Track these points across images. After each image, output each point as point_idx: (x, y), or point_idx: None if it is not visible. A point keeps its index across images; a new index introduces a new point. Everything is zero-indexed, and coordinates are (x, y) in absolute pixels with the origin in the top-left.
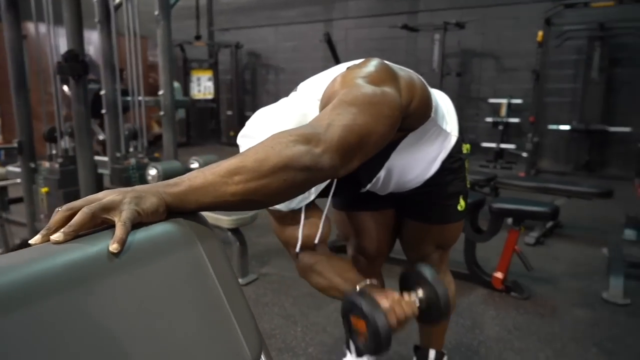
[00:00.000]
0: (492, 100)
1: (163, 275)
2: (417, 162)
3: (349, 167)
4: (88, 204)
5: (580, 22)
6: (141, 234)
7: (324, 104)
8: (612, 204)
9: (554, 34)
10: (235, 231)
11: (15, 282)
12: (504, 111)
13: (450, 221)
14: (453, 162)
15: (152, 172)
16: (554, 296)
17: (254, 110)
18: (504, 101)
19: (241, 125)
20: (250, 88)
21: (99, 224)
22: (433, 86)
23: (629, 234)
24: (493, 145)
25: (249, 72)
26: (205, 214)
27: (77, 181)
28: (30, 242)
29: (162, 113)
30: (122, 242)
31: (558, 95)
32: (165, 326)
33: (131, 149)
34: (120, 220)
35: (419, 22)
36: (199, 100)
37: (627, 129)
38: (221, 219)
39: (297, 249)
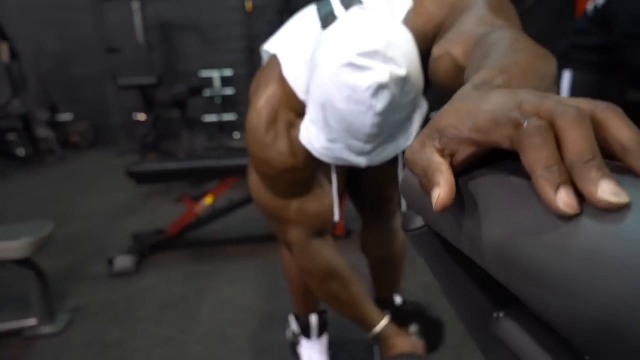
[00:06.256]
0: (204, 75)
1: None
2: None
3: None
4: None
5: None
6: None
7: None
8: None
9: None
10: (25, 262)
11: None
12: (217, 84)
13: None
14: None
15: None
16: None
17: None
18: (216, 74)
19: None
20: None
21: None
22: (141, 62)
23: None
24: (213, 119)
25: None
26: None
27: None
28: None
29: None
30: None
31: None
32: None
33: None
34: None
35: None
36: None
37: None
38: (7, 248)
39: (336, 218)
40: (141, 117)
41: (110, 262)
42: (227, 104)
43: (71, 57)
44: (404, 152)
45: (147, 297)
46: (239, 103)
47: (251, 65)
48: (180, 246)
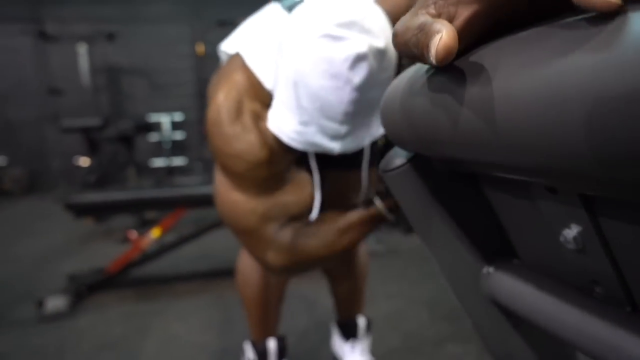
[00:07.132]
0: (152, 118)
1: None
2: None
3: None
4: None
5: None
6: None
7: None
8: None
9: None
10: None
11: None
12: (167, 128)
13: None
14: None
15: None
16: None
17: None
18: (166, 119)
19: None
20: None
21: None
22: (86, 105)
23: None
24: (162, 164)
25: None
26: None
27: None
28: None
29: None
30: None
31: None
32: None
33: None
34: None
35: (49, 32)
36: None
37: None
38: None
39: (315, 214)
40: (83, 161)
41: (40, 303)
42: (177, 148)
43: (7, 99)
44: (371, 156)
45: (82, 339)
46: (189, 148)
47: (202, 109)
48: (123, 284)
